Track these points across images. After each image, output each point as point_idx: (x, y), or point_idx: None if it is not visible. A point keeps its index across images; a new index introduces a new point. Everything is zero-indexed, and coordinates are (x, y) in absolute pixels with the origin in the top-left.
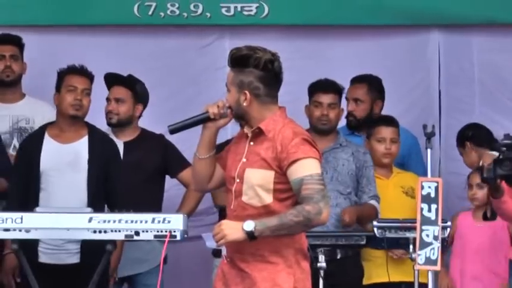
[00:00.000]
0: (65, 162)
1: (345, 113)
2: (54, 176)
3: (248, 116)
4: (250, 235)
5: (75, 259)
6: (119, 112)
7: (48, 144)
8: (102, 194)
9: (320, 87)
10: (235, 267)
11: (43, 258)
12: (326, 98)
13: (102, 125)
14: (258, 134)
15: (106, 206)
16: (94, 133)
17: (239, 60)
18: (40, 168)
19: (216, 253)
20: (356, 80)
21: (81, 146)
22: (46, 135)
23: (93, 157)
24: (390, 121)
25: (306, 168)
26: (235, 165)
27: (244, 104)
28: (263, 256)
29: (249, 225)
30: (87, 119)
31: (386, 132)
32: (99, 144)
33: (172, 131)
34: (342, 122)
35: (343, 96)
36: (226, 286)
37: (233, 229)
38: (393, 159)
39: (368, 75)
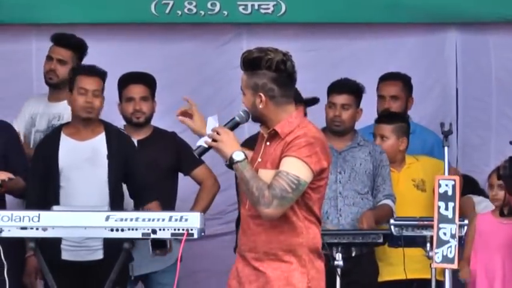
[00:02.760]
0: (83, 159)
1: (363, 112)
2: (73, 173)
3: (265, 118)
4: (230, 161)
5: (97, 256)
6: (146, 111)
7: (65, 142)
8: (121, 190)
9: (334, 88)
10: (249, 266)
11: (65, 256)
12: (339, 99)
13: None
14: (274, 136)
15: (133, 202)
16: (110, 129)
17: (251, 63)
18: (59, 166)
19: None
20: (389, 77)
21: (99, 142)
22: (62, 134)
23: (112, 153)
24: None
25: (289, 167)
26: (251, 164)
27: (260, 106)
28: (277, 255)
29: (238, 156)
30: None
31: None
32: (116, 140)
33: (200, 155)
34: (369, 120)
35: (367, 94)
36: (240, 284)
37: (229, 144)
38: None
39: (398, 72)
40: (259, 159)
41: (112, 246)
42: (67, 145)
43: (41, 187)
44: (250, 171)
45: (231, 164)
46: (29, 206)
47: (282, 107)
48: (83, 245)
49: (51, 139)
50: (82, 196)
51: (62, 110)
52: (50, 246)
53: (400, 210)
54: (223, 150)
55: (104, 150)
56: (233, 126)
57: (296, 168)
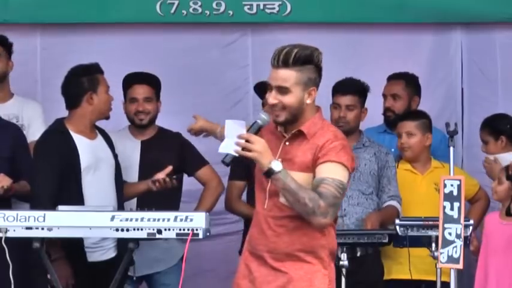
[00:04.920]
0: (99, 159)
1: (370, 110)
2: (92, 173)
3: (301, 116)
4: (269, 172)
5: (109, 254)
6: (149, 111)
7: (79, 141)
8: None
9: (338, 88)
10: (266, 266)
11: (88, 258)
12: (344, 100)
13: (119, 124)
14: (297, 136)
15: None
16: (101, 130)
17: (304, 58)
18: (81, 165)
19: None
20: (393, 77)
21: (102, 142)
22: (71, 132)
23: (114, 152)
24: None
25: (333, 172)
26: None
27: (308, 101)
28: (298, 256)
29: (277, 166)
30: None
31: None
32: (108, 139)
33: (229, 164)
34: (379, 120)
35: (374, 95)
36: (254, 284)
37: (265, 154)
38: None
39: (404, 72)
40: (279, 159)
41: (123, 243)
42: (83, 144)
43: (56, 188)
44: (293, 181)
45: (269, 174)
46: (42, 203)
47: (314, 104)
48: (98, 245)
49: (63, 137)
50: (97, 196)
51: (17, 111)
52: (75, 250)
53: (419, 211)
54: (261, 161)
55: (107, 150)
56: (257, 131)
57: (339, 173)
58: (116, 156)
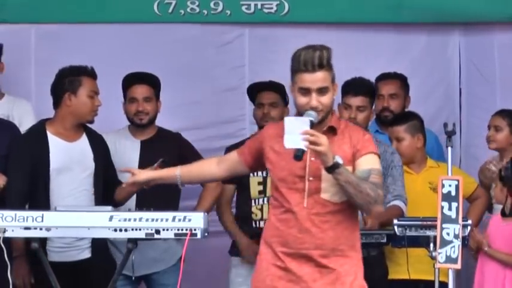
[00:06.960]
0: (74, 161)
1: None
2: (63, 175)
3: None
4: (334, 166)
5: (85, 255)
6: (149, 111)
7: (54, 142)
8: (103, 191)
9: (349, 89)
10: (310, 264)
11: (53, 257)
12: (355, 101)
13: (118, 124)
14: (324, 133)
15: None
16: (89, 130)
17: (331, 58)
18: (50, 167)
19: (232, 252)
20: (388, 77)
21: (84, 143)
22: (48, 133)
23: (97, 155)
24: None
25: (375, 163)
26: (299, 163)
27: (334, 96)
28: (343, 251)
29: (340, 159)
30: (103, 119)
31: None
32: (97, 141)
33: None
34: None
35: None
36: (298, 284)
37: (329, 149)
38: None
39: (394, 72)
40: (313, 158)
41: (99, 244)
42: (57, 146)
43: (26, 186)
44: (352, 174)
45: (333, 168)
46: (10, 204)
47: None
48: (72, 245)
49: (38, 137)
50: (69, 198)
51: (7, 111)
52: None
53: (414, 210)
54: (328, 155)
55: (89, 152)
56: (311, 127)
57: (378, 163)
58: (102, 158)
